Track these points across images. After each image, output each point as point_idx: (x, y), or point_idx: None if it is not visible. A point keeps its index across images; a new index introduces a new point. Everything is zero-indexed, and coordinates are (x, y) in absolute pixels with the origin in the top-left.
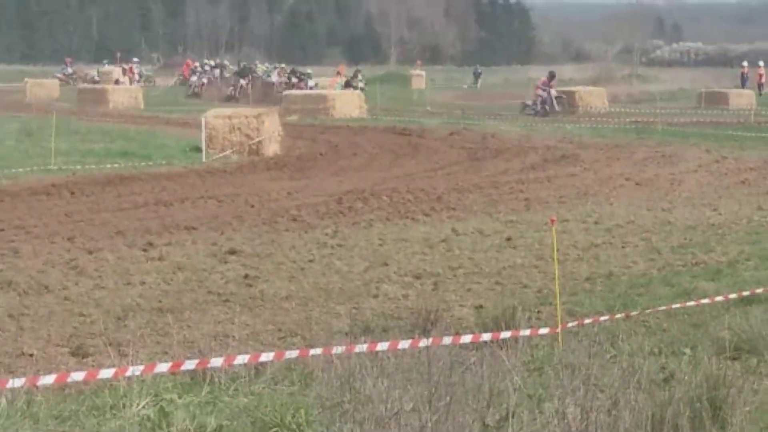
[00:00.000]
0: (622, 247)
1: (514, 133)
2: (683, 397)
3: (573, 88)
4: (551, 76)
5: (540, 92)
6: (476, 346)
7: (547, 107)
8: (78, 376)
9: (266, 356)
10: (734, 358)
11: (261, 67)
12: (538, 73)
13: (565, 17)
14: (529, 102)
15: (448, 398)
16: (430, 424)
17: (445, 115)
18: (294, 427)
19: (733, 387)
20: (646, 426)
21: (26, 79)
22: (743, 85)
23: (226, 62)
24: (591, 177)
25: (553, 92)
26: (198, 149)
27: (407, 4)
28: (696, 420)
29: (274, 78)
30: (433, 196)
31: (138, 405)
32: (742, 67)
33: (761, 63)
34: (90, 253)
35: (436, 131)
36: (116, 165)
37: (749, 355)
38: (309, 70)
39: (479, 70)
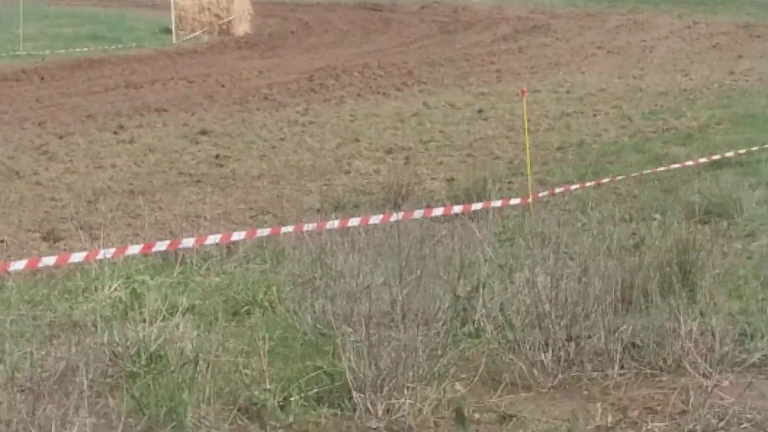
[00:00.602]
0: (594, 115)
1: (485, 4)
2: (653, 262)
3: None
4: None
5: None
6: (448, 218)
7: None
8: (49, 260)
9: (238, 235)
10: (704, 222)
11: None
12: None
13: None
14: None
15: (419, 271)
16: (401, 297)
17: None
18: (266, 304)
19: (702, 251)
20: (615, 291)
21: None
22: None
23: None
24: (563, 46)
25: None
26: (168, 31)
27: None
28: (665, 284)
29: None
30: (405, 71)
31: (110, 288)
32: None
33: None
34: (60, 137)
35: (407, 5)
36: (86, 49)
37: (719, 219)
38: None
39: None
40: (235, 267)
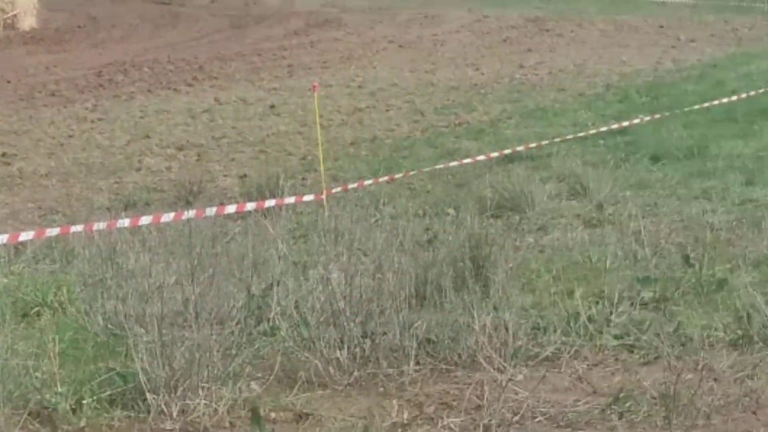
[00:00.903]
0: (386, 110)
1: None
2: (446, 258)
3: None
4: None
5: None
6: (241, 215)
7: None
8: None
9: (26, 235)
10: (497, 216)
11: None
12: None
13: None
14: None
15: (211, 270)
16: (194, 297)
17: None
18: (56, 305)
19: (495, 245)
20: (410, 287)
21: None
22: None
23: None
24: (354, 41)
25: None
26: None
27: None
28: (459, 279)
29: None
30: (195, 66)
31: None
32: None
33: None
34: None
35: None
36: None
37: (511, 213)
38: None
39: None
40: (23, 268)
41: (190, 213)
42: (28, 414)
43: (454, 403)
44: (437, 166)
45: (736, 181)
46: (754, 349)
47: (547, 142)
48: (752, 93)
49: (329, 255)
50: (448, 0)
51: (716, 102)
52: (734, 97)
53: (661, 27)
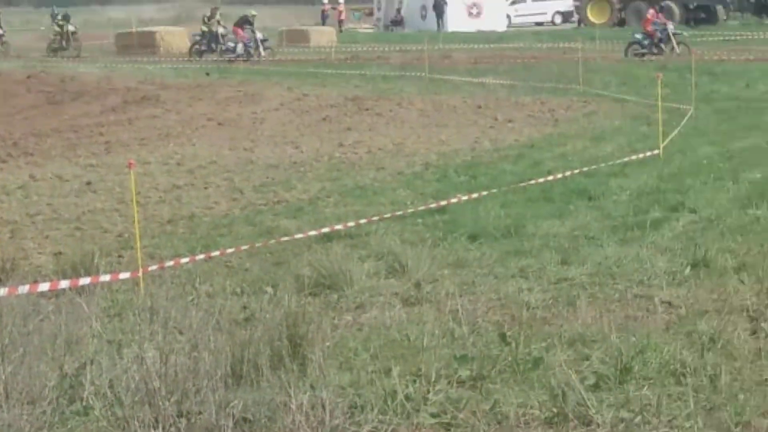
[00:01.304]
0: (205, 187)
1: (94, 74)
2: (263, 336)
3: (154, 29)
4: (661, 8)
5: (653, 27)
6: (55, 293)
7: (663, 46)
8: None
9: None
10: (315, 295)
11: None
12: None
13: None
14: (639, 36)
15: (22, 348)
16: (4, 376)
17: (23, 58)
18: None
19: (312, 323)
20: (226, 366)
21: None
22: (324, 22)
23: None
24: (173, 118)
25: (671, 27)
26: None
27: None
28: (276, 358)
29: None
30: (10, 142)
31: None
32: (323, 4)
33: (341, 0)
34: None
35: (13, 74)
36: None
37: (330, 291)
38: None
39: (56, 11)
40: None
41: (2, 291)
42: None
43: None
44: (255, 244)
45: (552, 260)
46: (569, 426)
47: (365, 220)
48: (568, 173)
49: (144, 333)
50: (267, 79)
51: (533, 182)
52: (550, 177)
53: (480, 107)
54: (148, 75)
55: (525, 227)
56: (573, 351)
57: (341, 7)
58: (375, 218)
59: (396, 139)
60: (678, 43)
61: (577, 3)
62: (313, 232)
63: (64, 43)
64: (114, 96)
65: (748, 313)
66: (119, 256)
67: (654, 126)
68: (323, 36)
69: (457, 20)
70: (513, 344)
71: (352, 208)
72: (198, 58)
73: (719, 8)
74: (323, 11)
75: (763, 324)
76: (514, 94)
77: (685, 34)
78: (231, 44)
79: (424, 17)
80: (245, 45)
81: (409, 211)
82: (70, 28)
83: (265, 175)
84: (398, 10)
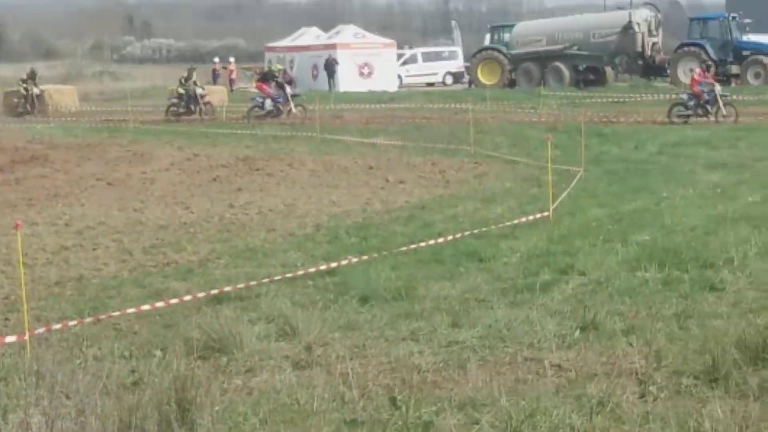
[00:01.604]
0: (93, 249)
1: None
2: (151, 400)
3: (43, 87)
4: (708, 67)
5: (701, 88)
6: None
7: (709, 108)
8: None
9: None
10: (204, 358)
11: None
12: (5, 71)
13: (33, 14)
14: (685, 97)
15: None
16: None
17: None
18: None
19: (201, 387)
20: (113, 431)
21: None
22: (215, 81)
23: None
24: (62, 178)
25: (718, 89)
26: None
27: None
28: (164, 422)
29: None
30: None
31: None
32: (214, 63)
33: (231, 59)
34: None
35: None
36: None
37: (219, 354)
38: None
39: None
40: None
41: None
42: None
43: None
44: (144, 307)
45: (442, 322)
46: None
47: (256, 282)
48: (459, 235)
49: (30, 398)
50: (157, 139)
51: (424, 243)
52: (441, 239)
53: (371, 168)
54: (36, 134)
55: (416, 289)
56: (463, 415)
57: (232, 66)
58: (265, 280)
59: (287, 199)
60: (725, 105)
61: (468, 64)
62: (202, 294)
63: (28, 106)
64: (1, 155)
65: (637, 376)
66: (5, 319)
67: (544, 188)
68: (214, 95)
69: (348, 80)
70: (403, 408)
71: (243, 269)
72: (175, 120)
73: (608, 70)
74: (214, 70)
75: (651, 387)
76: (405, 154)
77: (731, 96)
78: (259, 100)
79: (315, 77)
80: (274, 101)
81: (300, 273)
82: (36, 90)
83: (154, 237)
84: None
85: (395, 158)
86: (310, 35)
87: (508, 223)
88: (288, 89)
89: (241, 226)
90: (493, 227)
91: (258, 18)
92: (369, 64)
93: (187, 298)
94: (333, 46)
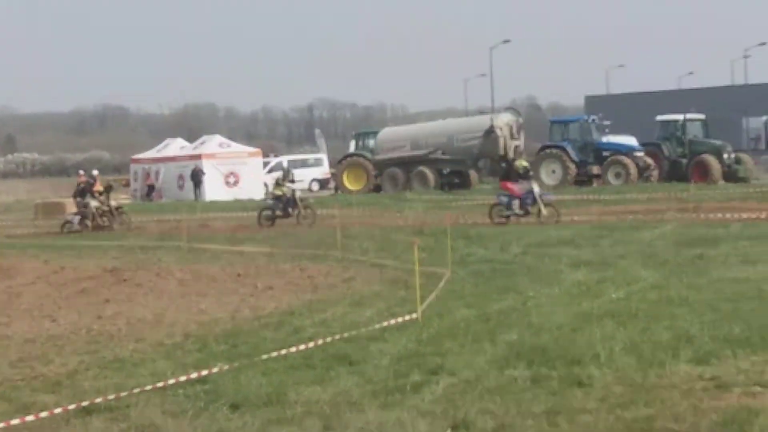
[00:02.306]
0: None
1: None
2: None
3: None
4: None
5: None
6: None
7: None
8: None
9: None
10: None
11: None
12: None
13: None
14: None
15: None
16: None
17: None
18: None
19: None
20: None
21: None
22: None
23: None
24: None
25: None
26: None
27: None
28: None
29: None
30: None
31: None
32: (79, 176)
33: (95, 172)
34: None
35: None
36: None
37: None
38: None
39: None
40: None
41: None
42: None
43: None
44: (14, 422)
45: (314, 426)
46: None
47: (126, 393)
48: (328, 339)
49: None
50: (23, 251)
51: (294, 349)
52: (311, 344)
53: (239, 275)
54: None
55: (287, 395)
56: None
57: (95, 179)
58: (135, 390)
59: (155, 309)
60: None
61: (334, 170)
62: (72, 407)
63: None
64: None
65: None
66: None
67: (412, 290)
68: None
69: (214, 189)
70: None
71: (112, 380)
72: (269, 225)
73: (472, 173)
74: (79, 183)
75: None
76: (273, 261)
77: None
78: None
79: (181, 187)
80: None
81: (170, 382)
82: (112, 203)
83: (21, 350)
84: (155, 181)
85: (263, 265)
86: (175, 146)
87: (377, 326)
88: (298, 192)
89: (110, 337)
90: (363, 330)
91: (123, 130)
92: (235, 173)
93: (57, 410)
94: (198, 157)
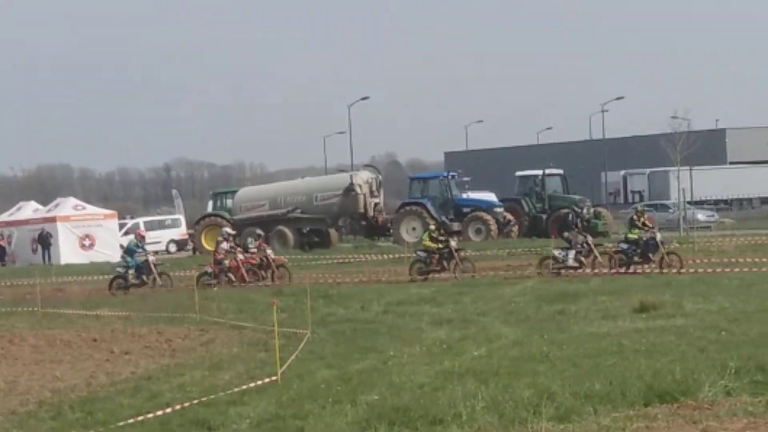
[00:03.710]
0: None
1: None
2: None
3: None
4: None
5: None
6: None
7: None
8: None
9: None
10: None
11: None
12: None
13: None
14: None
15: None
16: None
17: None
18: None
19: None
20: None
21: None
22: None
23: None
24: None
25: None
26: None
27: None
28: None
29: None
30: None
31: None
32: None
33: None
34: None
35: None
36: None
37: None
38: None
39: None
40: None
41: None
42: None
43: None
44: None
45: None
46: None
47: None
48: (186, 404)
49: None
50: None
51: (151, 415)
52: (169, 409)
53: (95, 340)
54: None
55: None
56: None
57: None
58: None
59: (8, 377)
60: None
61: (192, 231)
62: None
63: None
64: None
65: None
66: None
67: (272, 352)
68: None
69: (69, 252)
70: None
71: None
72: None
73: (332, 231)
74: None
75: None
76: (130, 325)
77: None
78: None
79: (35, 251)
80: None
81: None
82: (151, 258)
83: None
84: (8, 245)
85: (120, 329)
86: (28, 209)
87: (236, 389)
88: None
89: None
90: (222, 394)
91: None
92: (90, 235)
93: None
94: (52, 219)
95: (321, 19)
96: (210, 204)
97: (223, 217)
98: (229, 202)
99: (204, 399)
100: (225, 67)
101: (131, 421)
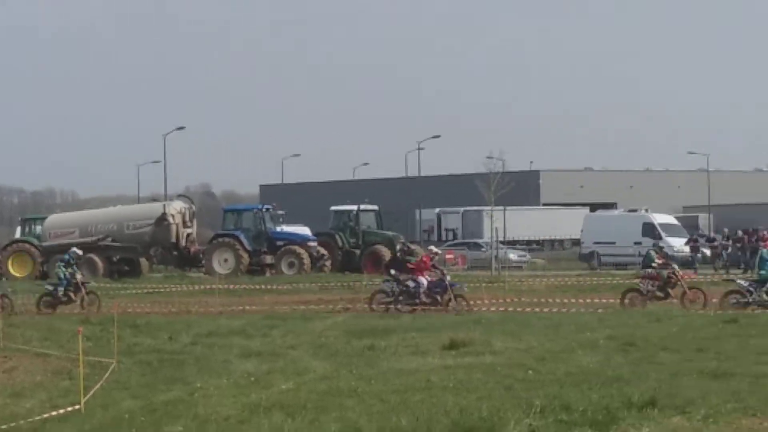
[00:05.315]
0: None
1: None
2: None
3: None
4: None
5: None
6: None
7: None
8: None
9: None
10: None
11: None
12: None
13: None
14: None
15: None
16: None
17: None
18: None
19: None
20: None
21: None
22: None
23: None
24: None
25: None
26: None
27: None
28: None
29: None
30: None
31: None
32: None
33: None
34: None
35: None
36: None
37: None
38: None
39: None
40: None
41: None
42: None
43: None
44: None
45: None
46: None
47: None
48: None
49: None
50: None
51: None
52: None
53: None
54: None
55: None
56: None
57: None
58: None
59: None
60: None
61: None
62: None
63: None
64: None
65: None
66: None
67: (76, 380)
68: None
69: None
70: None
71: None
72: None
73: (143, 261)
74: None
75: None
76: None
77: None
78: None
79: None
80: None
81: None
82: (79, 276)
83: None
84: None
85: None
86: None
87: (38, 418)
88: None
89: None
90: (23, 422)
91: None
92: None
93: None
94: None
95: (136, 43)
96: (18, 230)
97: (31, 244)
98: (38, 229)
99: (4, 427)
100: (34, 91)
101: None
